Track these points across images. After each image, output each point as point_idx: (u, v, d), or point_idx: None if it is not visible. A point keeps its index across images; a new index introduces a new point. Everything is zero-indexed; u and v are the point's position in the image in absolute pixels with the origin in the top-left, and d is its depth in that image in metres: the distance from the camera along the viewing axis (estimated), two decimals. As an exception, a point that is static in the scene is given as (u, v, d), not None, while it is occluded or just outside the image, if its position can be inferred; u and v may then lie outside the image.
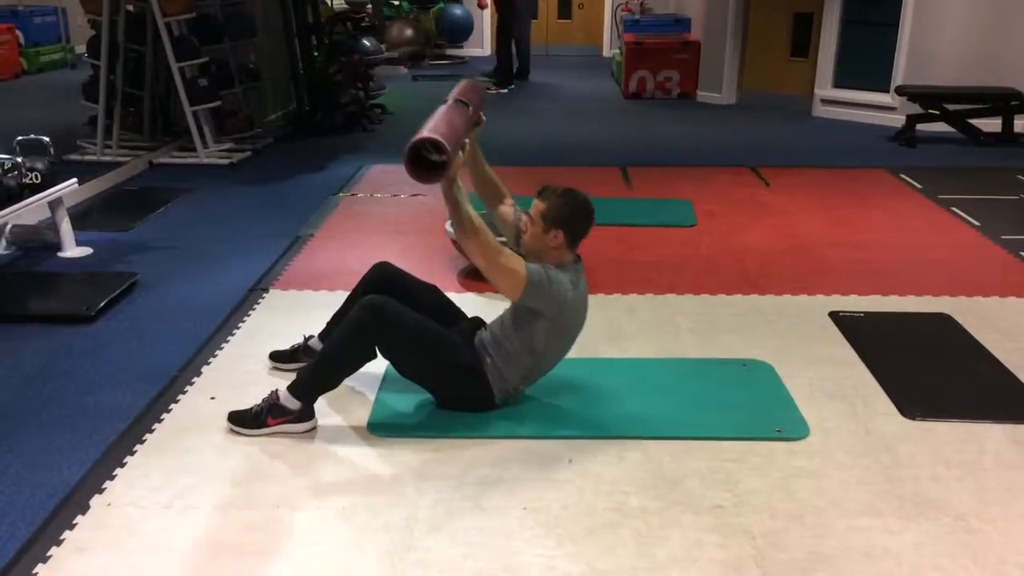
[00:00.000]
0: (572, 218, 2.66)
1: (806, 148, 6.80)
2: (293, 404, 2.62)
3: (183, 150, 6.36)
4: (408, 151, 2.35)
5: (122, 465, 2.50)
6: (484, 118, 2.87)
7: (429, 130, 2.38)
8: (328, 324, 3.02)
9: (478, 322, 2.91)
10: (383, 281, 2.91)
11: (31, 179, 4.10)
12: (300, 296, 3.77)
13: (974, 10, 6.95)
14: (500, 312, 2.82)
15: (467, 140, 2.62)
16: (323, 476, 2.45)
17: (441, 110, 2.60)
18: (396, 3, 10.95)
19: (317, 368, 2.67)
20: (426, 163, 2.38)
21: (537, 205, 2.67)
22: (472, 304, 3.10)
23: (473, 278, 3.93)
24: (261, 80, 7.20)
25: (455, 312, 2.96)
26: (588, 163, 6.21)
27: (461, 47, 12.54)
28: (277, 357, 3.09)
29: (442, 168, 2.38)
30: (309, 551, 2.14)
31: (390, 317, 2.59)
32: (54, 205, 4.25)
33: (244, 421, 2.64)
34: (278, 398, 2.63)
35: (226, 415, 2.68)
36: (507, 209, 2.90)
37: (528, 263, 2.61)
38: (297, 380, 2.65)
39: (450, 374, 2.70)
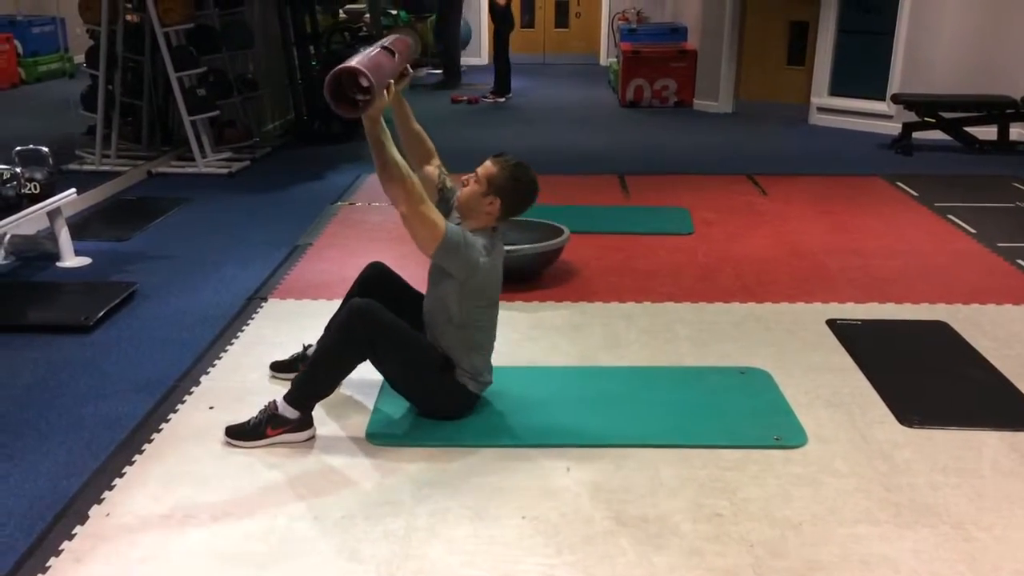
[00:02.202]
0: (515, 192, 2.68)
1: (803, 156, 6.82)
2: (291, 413, 2.62)
3: (182, 159, 6.38)
4: (329, 80, 2.31)
5: (121, 475, 2.50)
6: (411, 71, 2.80)
7: (355, 62, 2.34)
8: (325, 331, 3.02)
9: None
10: (375, 279, 2.92)
11: (30, 189, 4.11)
12: (299, 305, 3.78)
13: (970, 18, 6.99)
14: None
15: (393, 88, 2.57)
16: (321, 485, 2.45)
17: (367, 50, 2.56)
18: (394, 12, 10.98)
19: (309, 375, 2.67)
20: (347, 97, 2.35)
21: (488, 167, 2.67)
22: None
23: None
24: (259, 90, 7.22)
25: None
26: (585, 171, 6.23)
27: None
28: (277, 367, 3.10)
29: (364, 104, 2.35)
30: (308, 561, 2.14)
31: (377, 321, 2.58)
32: (53, 215, 4.25)
33: (242, 434, 2.64)
34: (276, 408, 2.63)
35: (224, 425, 2.68)
36: (432, 169, 2.88)
37: (448, 224, 2.59)
38: (291, 389, 2.65)
39: (428, 378, 2.70)
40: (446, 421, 2.76)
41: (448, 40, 10.52)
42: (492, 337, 2.82)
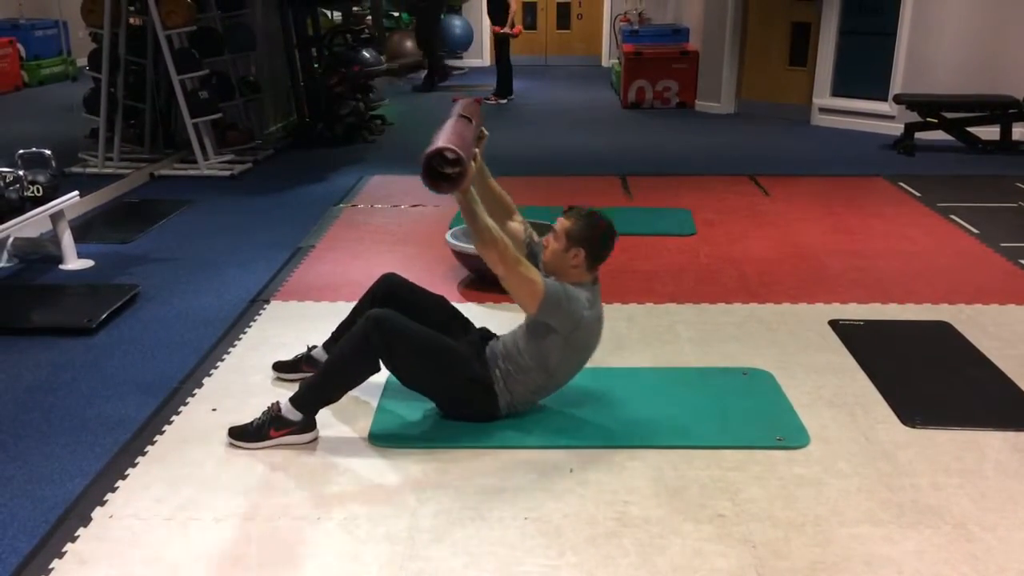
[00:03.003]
0: (594, 238, 2.69)
1: (805, 157, 6.81)
2: (295, 416, 2.63)
3: (184, 162, 6.39)
4: (424, 163, 2.41)
5: (124, 477, 2.50)
6: (487, 133, 2.89)
7: (442, 141, 2.42)
8: (333, 334, 3.03)
9: (487, 333, 2.92)
10: (390, 292, 2.93)
11: (33, 192, 4.12)
12: (301, 307, 3.78)
13: (972, 18, 6.98)
14: (507, 323, 2.82)
15: (476, 152, 2.65)
16: (324, 487, 2.46)
17: (448, 124, 2.64)
18: (396, 15, 10.99)
19: (320, 381, 2.67)
20: (441, 174, 2.44)
21: (562, 222, 2.70)
22: (473, 314, 3.11)
23: (474, 288, 3.94)
24: (261, 92, 7.23)
25: (464, 323, 2.97)
26: (588, 172, 6.23)
27: (460, 57, 12.59)
28: (280, 367, 3.10)
29: (459, 178, 2.43)
30: (311, 562, 2.15)
31: (394, 331, 2.59)
32: (56, 218, 4.26)
33: (245, 435, 2.64)
34: (280, 410, 2.63)
35: (227, 427, 2.68)
36: (516, 225, 2.90)
37: (546, 279, 2.63)
38: (300, 392, 2.65)
39: (457, 386, 2.71)
40: (449, 423, 2.76)
41: (430, 41, 10.53)
42: (565, 382, 2.83)
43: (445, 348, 2.68)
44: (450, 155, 2.41)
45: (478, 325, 2.98)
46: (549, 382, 2.76)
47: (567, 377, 2.80)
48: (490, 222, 2.55)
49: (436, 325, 2.75)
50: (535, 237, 2.91)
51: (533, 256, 2.82)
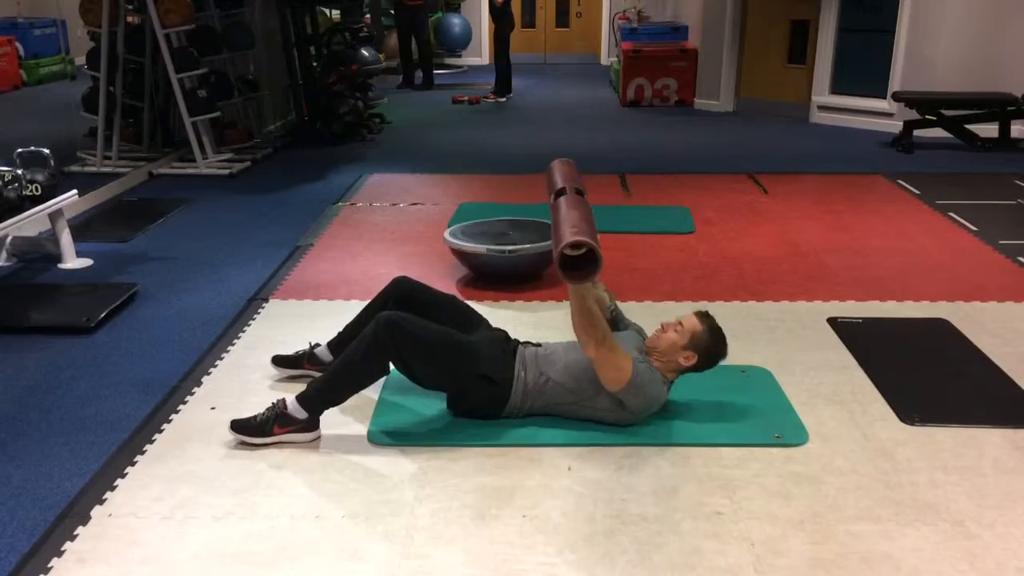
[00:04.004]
0: (711, 355, 2.75)
1: (804, 155, 6.82)
2: (300, 414, 2.63)
3: (183, 161, 6.39)
4: (561, 259, 2.34)
5: (123, 476, 2.50)
6: (585, 188, 2.86)
7: (576, 234, 2.33)
8: (339, 334, 3.02)
9: (503, 332, 2.93)
10: (402, 296, 2.94)
11: (31, 191, 4.12)
12: (300, 306, 3.78)
13: (970, 16, 6.98)
14: (505, 321, 2.83)
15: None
16: (323, 485, 2.46)
17: (567, 205, 2.53)
18: (393, 13, 10.98)
19: (330, 382, 2.67)
20: (579, 265, 2.38)
21: (693, 322, 2.74)
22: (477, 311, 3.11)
23: (472, 286, 3.95)
24: (260, 91, 7.23)
25: (478, 319, 2.99)
26: (586, 170, 6.19)
27: (459, 56, 12.59)
28: (280, 362, 3.09)
29: (594, 267, 2.37)
30: (310, 561, 2.15)
31: (406, 333, 2.60)
32: (54, 217, 4.26)
33: (248, 429, 2.64)
34: (286, 407, 2.64)
35: (227, 424, 2.68)
36: (601, 293, 2.93)
37: (637, 362, 2.64)
38: (308, 392, 2.66)
39: (469, 383, 2.71)
40: (447, 420, 2.77)
41: (422, 42, 10.53)
42: None
43: (456, 344, 2.69)
44: (585, 248, 2.33)
45: (500, 327, 2.99)
46: (573, 410, 2.76)
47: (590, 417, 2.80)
48: (595, 308, 2.58)
49: (450, 323, 2.78)
50: (615, 303, 3.01)
51: (613, 323, 2.89)
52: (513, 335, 2.92)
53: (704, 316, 2.79)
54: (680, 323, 2.76)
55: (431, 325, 2.69)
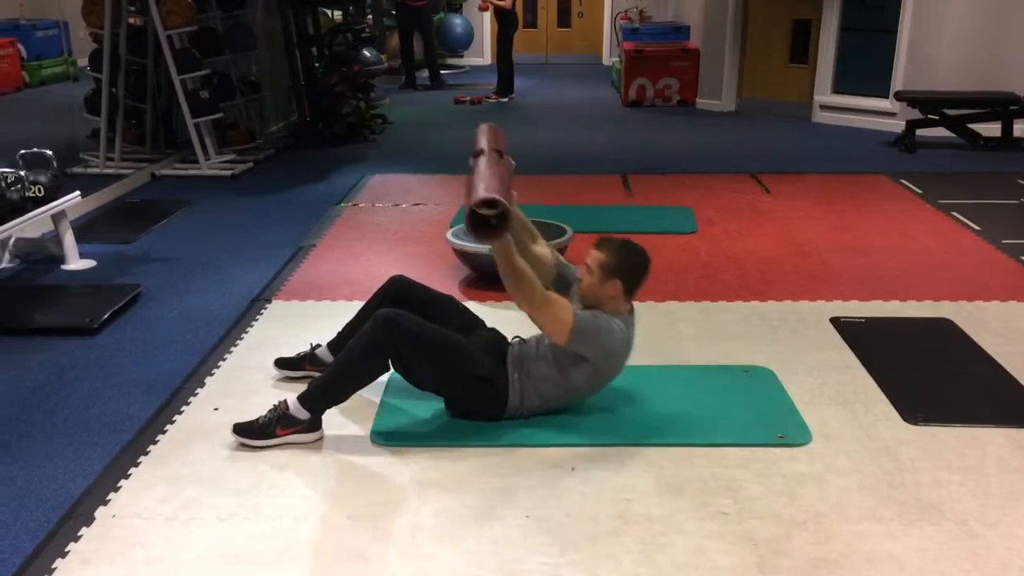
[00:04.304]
0: (631, 268, 2.71)
1: (806, 154, 6.81)
2: (302, 414, 2.63)
3: (185, 162, 6.39)
4: (468, 214, 2.39)
5: (126, 476, 2.51)
6: (515, 162, 2.87)
7: (487, 189, 2.39)
8: (339, 334, 3.02)
9: (497, 333, 2.93)
10: (399, 295, 2.93)
11: (34, 192, 4.12)
12: (303, 306, 3.78)
13: (973, 15, 6.97)
14: (508, 321, 2.83)
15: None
16: (326, 485, 2.46)
17: (483, 164, 2.59)
18: (396, 13, 10.98)
19: (330, 381, 2.67)
20: (485, 220, 2.42)
21: (596, 256, 2.70)
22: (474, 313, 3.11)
23: (474, 287, 3.95)
24: (262, 92, 7.24)
25: (474, 321, 2.99)
26: (589, 171, 6.23)
27: (461, 56, 12.59)
28: (282, 364, 3.10)
29: (502, 227, 2.42)
30: (313, 561, 2.15)
31: (404, 331, 2.60)
32: (57, 218, 4.27)
33: (251, 432, 2.64)
34: (287, 408, 2.64)
35: (230, 426, 2.68)
36: (543, 250, 2.91)
37: (578, 311, 2.63)
38: (308, 392, 2.66)
39: (465, 384, 2.71)
40: (451, 421, 2.77)
41: (429, 42, 10.55)
42: (579, 401, 2.83)
43: (453, 345, 2.68)
44: (499, 207, 2.38)
45: (495, 327, 2.98)
46: (566, 398, 2.77)
47: (584, 396, 2.81)
48: (522, 263, 2.56)
49: (447, 324, 2.76)
50: (563, 260, 2.94)
51: (564, 280, 2.85)
52: (514, 336, 2.91)
53: (602, 243, 2.73)
54: (586, 264, 2.72)
55: (429, 324, 2.67)
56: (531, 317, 2.62)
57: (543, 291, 2.59)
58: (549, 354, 2.71)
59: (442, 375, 2.71)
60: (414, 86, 10.53)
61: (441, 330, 2.69)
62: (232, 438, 2.66)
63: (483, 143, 2.76)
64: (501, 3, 9.33)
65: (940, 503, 2.35)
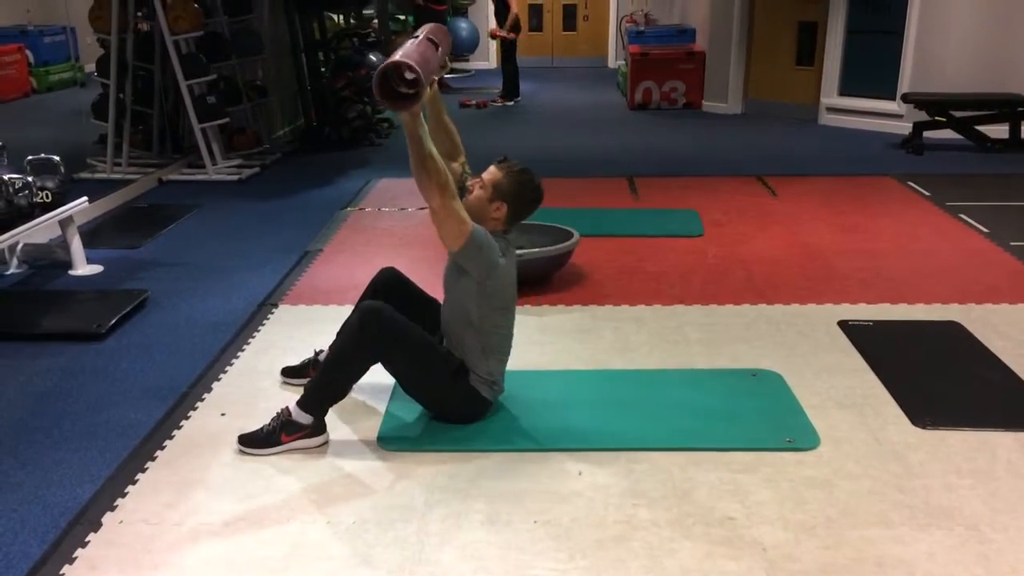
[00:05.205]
0: (520, 197, 2.69)
1: (813, 156, 6.80)
2: (305, 419, 2.63)
3: (192, 167, 6.41)
4: (379, 75, 2.32)
5: (134, 482, 2.51)
6: (449, 63, 2.82)
7: (403, 56, 2.34)
8: (337, 335, 3.02)
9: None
10: (388, 284, 2.93)
11: (42, 198, 4.13)
12: (309, 311, 3.79)
13: (979, 16, 6.96)
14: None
15: (435, 78, 2.59)
16: (333, 491, 2.46)
17: (412, 42, 2.54)
18: (402, 18, 11.00)
19: (321, 379, 2.67)
20: (395, 91, 2.35)
21: (493, 173, 2.68)
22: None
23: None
24: (269, 96, 7.25)
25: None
26: (595, 174, 6.23)
27: (467, 60, 12.60)
28: (288, 373, 3.11)
29: (413, 99, 2.34)
30: (320, 567, 2.15)
31: (386, 322, 2.58)
32: (65, 223, 4.28)
33: (256, 442, 2.64)
34: (290, 415, 2.64)
35: (237, 432, 2.68)
36: (456, 166, 2.85)
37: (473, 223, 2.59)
38: (305, 394, 2.66)
39: (442, 385, 2.70)
40: (457, 425, 2.76)
41: None
42: (509, 343, 2.83)
43: (430, 345, 2.67)
44: (409, 75, 2.33)
45: None
46: (485, 339, 2.71)
47: (499, 331, 2.75)
48: (435, 153, 2.48)
49: (425, 325, 2.73)
50: (468, 183, 2.84)
51: (463, 193, 2.79)
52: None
53: (503, 162, 2.70)
54: (482, 178, 2.68)
55: (410, 322, 2.64)
56: (434, 215, 2.51)
57: (454, 188, 2.53)
58: (447, 309, 2.71)
59: (417, 371, 2.67)
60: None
61: (419, 328, 2.66)
62: (238, 449, 2.65)
63: (421, 32, 2.69)
64: (507, 36, 9.42)
65: (950, 507, 2.34)
